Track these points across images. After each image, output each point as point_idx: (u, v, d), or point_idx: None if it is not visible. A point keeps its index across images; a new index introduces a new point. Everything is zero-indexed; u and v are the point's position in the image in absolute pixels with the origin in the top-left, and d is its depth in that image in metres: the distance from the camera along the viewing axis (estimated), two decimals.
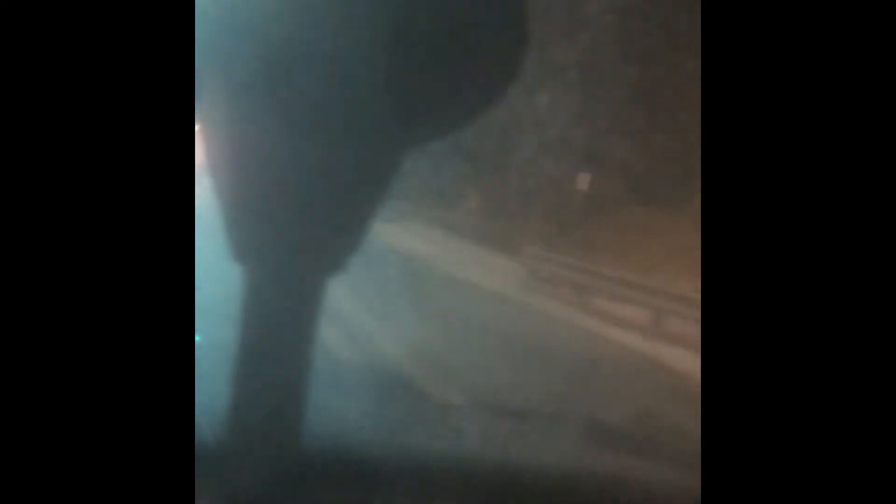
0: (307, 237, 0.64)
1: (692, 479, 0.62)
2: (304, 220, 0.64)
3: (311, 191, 0.64)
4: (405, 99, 0.62)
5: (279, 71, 0.61)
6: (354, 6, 0.61)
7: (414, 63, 0.62)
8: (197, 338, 0.61)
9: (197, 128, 0.61)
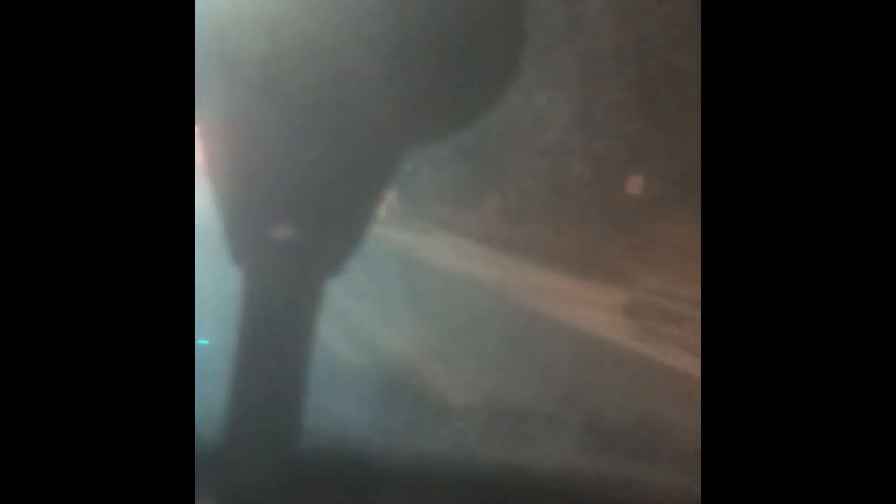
0: (307, 237, 0.64)
1: (692, 480, 0.62)
2: (304, 220, 0.64)
3: (311, 191, 0.64)
4: (405, 99, 0.62)
5: (280, 71, 0.61)
6: (355, 7, 0.61)
7: (414, 64, 0.62)
8: (204, 342, 0.61)
9: (197, 128, 0.61)
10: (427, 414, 1.32)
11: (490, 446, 1.05)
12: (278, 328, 0.65)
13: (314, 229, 0.65)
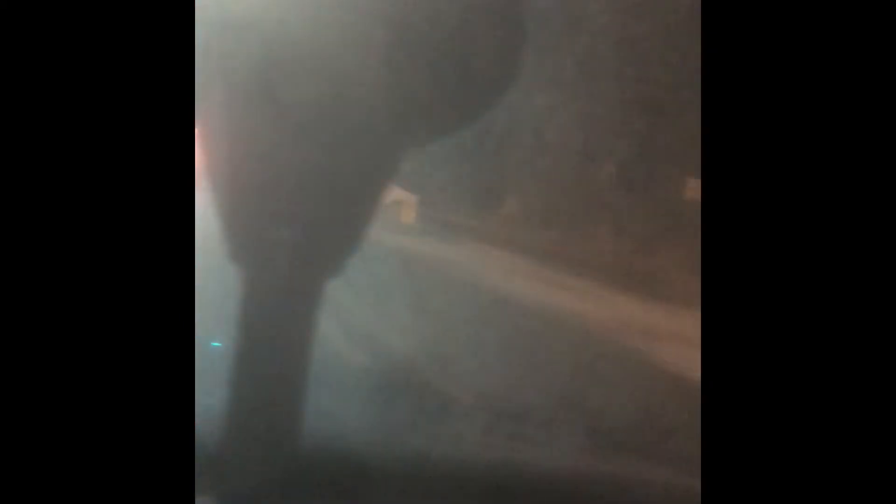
0: (307, 237, 0.64)
1: (692, 480, 0.62)
2: (303, 220, 0.64)
3: (311, 192, 0.64)
4: (403, 101, 0.62)
5: (278, 74, 0.61)
6: (354, 10, 0.61)
7: (413, 65, 0.62)
8: (216, 344, 0.61)
9: (196, 130, 0.61)
10: (427, 414, 1.32)
11: (490, 446, 1.05)
12: (278, 328, 0.65)
13: (314, 230, 0.65)
